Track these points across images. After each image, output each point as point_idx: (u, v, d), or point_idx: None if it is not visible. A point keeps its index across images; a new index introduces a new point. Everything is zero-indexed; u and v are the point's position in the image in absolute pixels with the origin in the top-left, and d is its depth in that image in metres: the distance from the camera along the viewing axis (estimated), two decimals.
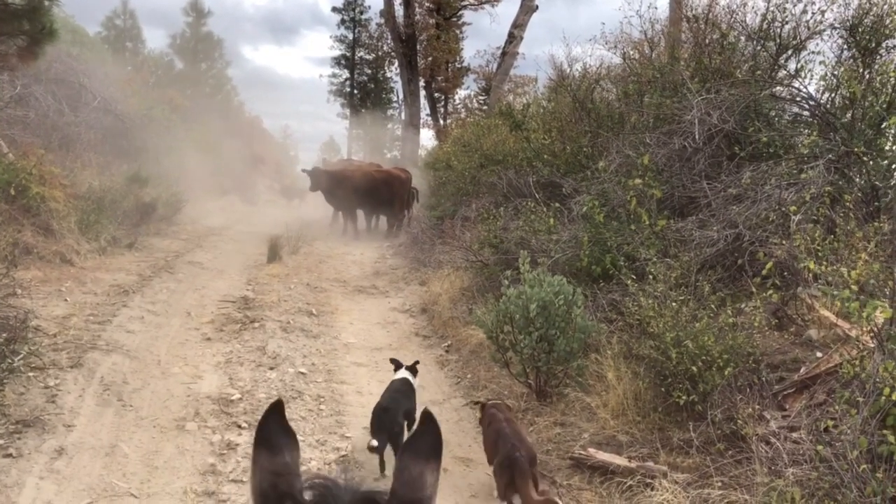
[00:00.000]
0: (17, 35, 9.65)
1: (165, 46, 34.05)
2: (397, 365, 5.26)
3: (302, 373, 6.31)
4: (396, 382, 5.02)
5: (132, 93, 18.57)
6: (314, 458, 4.63)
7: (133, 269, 10.08)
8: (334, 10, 43.67)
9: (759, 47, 7.72)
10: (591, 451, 4.44)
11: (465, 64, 35.94)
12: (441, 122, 34.52)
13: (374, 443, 4.34)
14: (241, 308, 8.39)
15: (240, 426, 5.09)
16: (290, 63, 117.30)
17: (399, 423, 4.53)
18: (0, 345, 5.33)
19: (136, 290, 8.75)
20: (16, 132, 10.90)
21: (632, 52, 10.41)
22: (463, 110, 35.93)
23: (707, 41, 8.46)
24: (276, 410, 1.20)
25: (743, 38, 8.00)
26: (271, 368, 6.34)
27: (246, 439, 4.85)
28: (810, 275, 4.75)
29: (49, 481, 4.13)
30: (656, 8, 14.50)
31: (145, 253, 11.48)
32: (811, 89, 7.02)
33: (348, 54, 45.15)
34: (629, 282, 5.33)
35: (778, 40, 7.41)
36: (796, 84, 7.12)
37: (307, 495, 1.11)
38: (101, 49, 22.64)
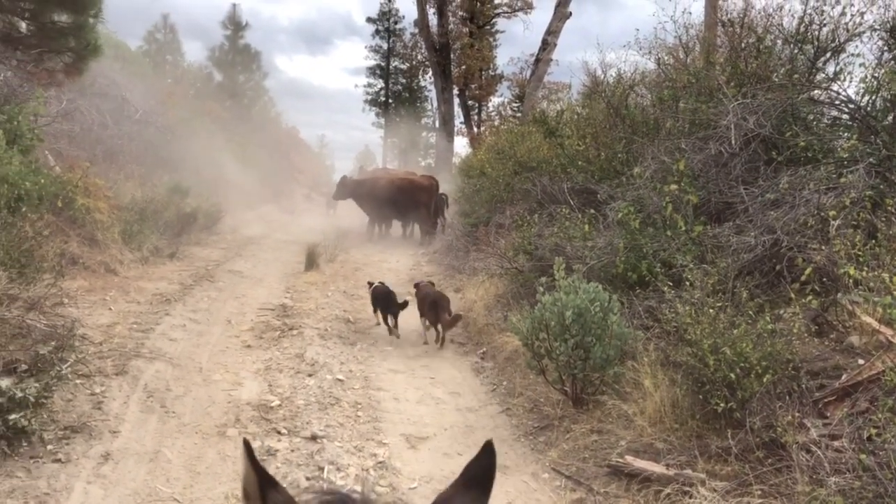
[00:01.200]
0: (63, 52, 9.95)
1: (204, 59, 34.66)
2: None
3: (339, 379, 6.38)
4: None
5: (172, 105, 18.96)
6: (352, 465, 4.69)
7: (175, 278, 10.29)
8: (369, 20, 44.21)
9: (796, 51, 7.64)
10: (629, 458, 4.42)
11: (498, 71, 36.01)
12: (475, 129, 34.59)
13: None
14: (279, 315, 8.52)
15: (279, 432, 5.17)
16: (324, 73, 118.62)
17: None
18: (49, 352, 5.50)
19: (178, 299, 8.94)
20: (62, 145, 11.22)
21: (666, 58, 10.36)
22: (496, 117, 35.98)
23: (743, 45, 8.39)
24: (250, 447, 1.17)
25: (780, 41, 7.92)
26: (310, 375, 6.43)
27: (285, 445, 4.93)
28: (851, 280, 4.68)
29: (96, 486, 4.25)
30: (691, 13, 14.37)
31: (186, 262, 11.71)
32: (850, 92, 6.92)
33: (383, 64, 45.56)
34: (666, 288, 5.31)
35: (816, 43, 7.32)
36: (835, 87, 7.03)
37: None
38: (142, 63, 23.16)
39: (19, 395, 4.62)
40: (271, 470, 4.51)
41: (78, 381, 5.64)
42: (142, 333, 7.24)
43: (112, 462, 4.54)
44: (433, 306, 7.84)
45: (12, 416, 4.46)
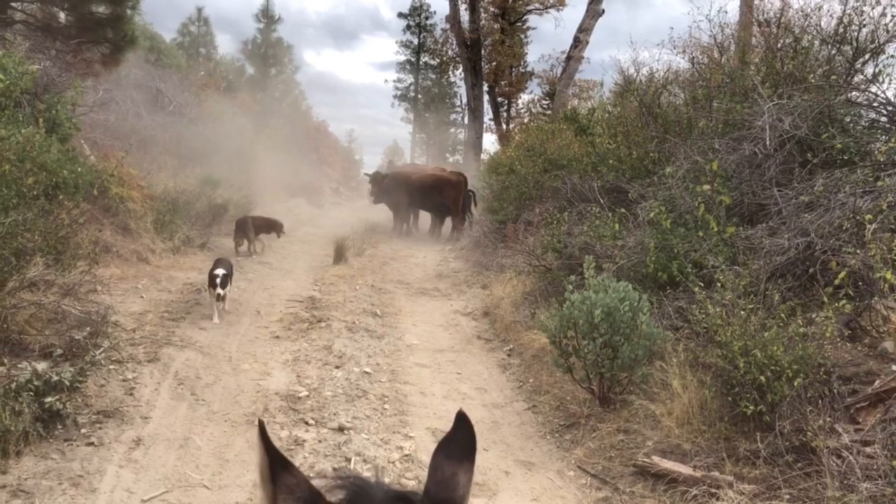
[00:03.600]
0: (101, 43, 10.11)
1: (236, 52, 34.99)
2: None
3: (367, 372, 6.43)
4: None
5: (205, 97, 19.17)
6: (378, 457, 4.72)
7: (205, 269, 10.36)
8: (400, 15, 44.31)
9: (834, 51, 7.52)
10: (656, 458, 4.41)
11: (528, 68, 35.87)
12: (504, 126, 34.52)
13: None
14: (308, 308, 8.60)
15: (307, 423, 5.22)
16: (351, 68, 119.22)
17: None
18: (84, 338, 5.62)
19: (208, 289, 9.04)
20: (97, 135, 11.40)
21: (700, 57, 10.26)
22: (526, 115, 35.84)
23: (779, 45, 8.27)
24: (265, 429, 1.16)
25: (817, 42, 7.80)
26: (337, 367, 6.48)
27: (313, 436, 4.98)
28: (886, 285, 4.61)
29: (127, 470, 4.33)
30: (726, 12, 14.19)
31: (217, 253, 11.82)
32: (889, 94, 6.80)
33: (413, 59, 45.65)
34: (696, 289, 5.27)
35: (854, 44, 7.20)
36: (874, 89, 6.91)
37: (339, 494, 1.11)
38: (176, 55, 23.43)
39: (55, 378, 4.73)
40: (298, 460, 4.57)
41: (111, 367, 5.75)
42: (173, 322, 7.35)
43: (143, 447, 4.63)
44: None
45: (48, 399, 4.56)
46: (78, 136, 9.51)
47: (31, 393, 4.55)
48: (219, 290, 7.61)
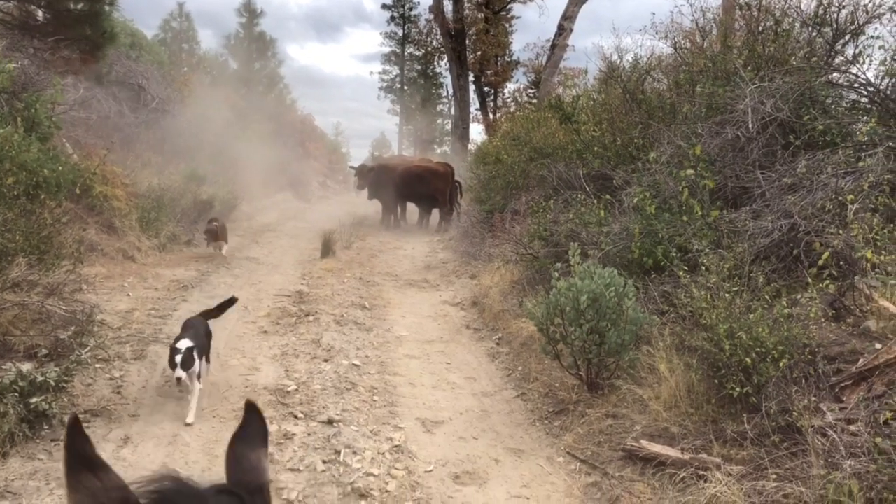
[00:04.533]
0: (79, 40, 10.02)
1: (219, 47, 34.79)
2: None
3: (356, 365, 6.42)
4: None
5: (189, 93, 19.03)
6: (368, 448, 4.72)
7: (191, 265, 10.37)
8: (384, 6, 44.07)
9: (814, 33, 7.54)
10: (644, 442, 4.43)
11: (514, 57, 35.79)
12: (490, 115, 34.47)
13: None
14: (296, 302, 8.57)
15: (296, 416, 5.21)
16: (335, 61, 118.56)
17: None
18: (69, 338, 5.58)
19: (195, 286, 9.02)
20: (79, 133, 11.29)
21: (683, 42, 10.26)
22: (512, 104, 35.81)
23: (760, 28, 8.28)
24: (76, 426, 1.04)
25: (798, 24, 7.81)
26: (326, 360, 6.47)
27: (302, 429, 4.98)
28: (868, 264, 4.64)
29: (116, 468, 4.29)
30: None
31: (203, 249, 11.79)
32: (870, 75, 6.83)
33: (398, 51, 45.48)
34: (681, 273, 5.29)
35: (835, 25, 7.22)
36: (854, 70, 6.94)
37: (151, 496, 1.03)
38: (158, 51, 23.24)
39: (40, 379, 4.70)
40: (288, 454, 4.57)
41: (97, 366, 5.73)
42: (159, 319, 7.32)
43: (131, 445, 4.61)
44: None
45: (33, 400, 4.54)
46: (59, 134, 9.43)
47: (17, 394, 4.52)
48: (178, 373, 4.98)
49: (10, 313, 5.80)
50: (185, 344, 5.12)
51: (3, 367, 5.05)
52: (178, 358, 5.01)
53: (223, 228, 11.32)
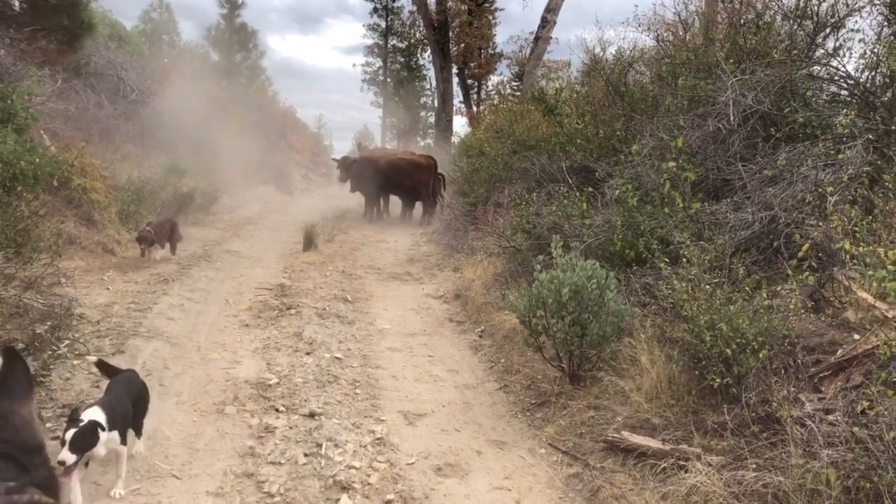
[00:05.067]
0: (57, 30, 9.88)
1: (200, 38, 34.52)
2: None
3: (338, 358, 6.40)
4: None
5: (169, 85, 18.85)
6: (350, 441, 4.71)
7: (172, 258, 10.28)
8: None
9: (795, 26, 7.58)
10: (625, 434, 4.44)
11: (497, 50, 35.83)
12: (474, 108, 34.45)
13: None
14: (277, 295, 8.53)
15: (277, 410, 5.19)
16: (317, 52, 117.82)
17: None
18: (46, 332, 5.52)
19: (176, 279, 8.94)
20: (57, 125, 11.16)
21: (665, 34, 10.29)
22: (496, 96, 35.81)
23: (742, 21, 8.32)
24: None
25: (779, 17, 7.85)
26: (308, 354, 6.45)
27: (283, 423, 4.95)
28: (847, 256, 4.67)
29: (95, 462, 4.26)
30: None
31: (184, 242, 11.69)
32: (850, 68, 6.87)
33: (381, 42, 45.30)
34: (663, 265, 5.31)
35: (815, 18, 7.26)
36: (834, 63, 6.97)
37: None
38: (138, 42, 23.00)
39: None
40: (269, 447, 4.54)
41: (76, 361, 5.65)
42: (139, 313, 7.25)
43: None
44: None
45: None
46: (36, 126, 9.31)
47: None
48: (63, 456, 3.46)
49: None
50: (91, 415, 3.71)
51: None
52: (70, 434, 3.53)
53: (162, 230, 10.18)
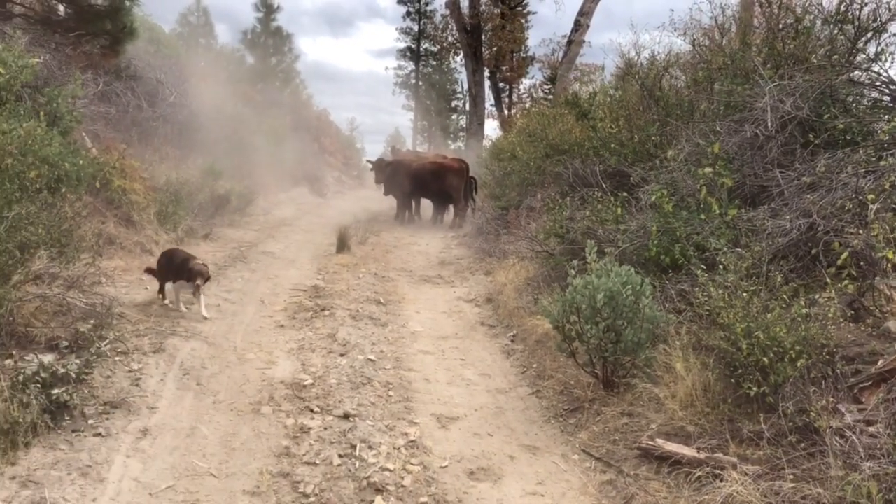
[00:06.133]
0: (100, 35, 10.10)
1: (236, 41, 34.99)
2: None
3: (371, 360, 6.45)
4: None
5: (206, 88, 19.12)
6: (383, 443, 4.75)
7: (208, 259, 10.41)
8: (399, 2, 44.10)
9: (836, 31, 7.47)
10: (659, 441, 4.42)
11: (529, 53, 35.80)
12: (506, 111, 34.44)
13: None
14: (312, 296, 8.62)
15: (312, 410, 5.25)
16: (348, 56, 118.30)
17: None
18: (89, 330, 5.65)
19: (213, 279, 9.06)
20: (99, 127, 11.38)
21: (701, 39, 10.21)
22: (528, 100, 35.77)
23: (780, 26, 8.23)
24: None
25: (819, 21, 7.75)
26: (341, 355, 6.51)
27: (318, 423, 5.01)
28: (889, 265, 4.61)
29: (135, 460, 4.36)
30: None
31: (220, 243, 11.87)
32: (892, 73, 6.77)
33: (413, 46, 45.49)
34: (699, 272, 5.27)
35: (856, 23, 7.16)
36: (876, 68, 6.87)
37: None
38: (176, 46, 23.36)
39: (61, 370, 4.77)
40: (304, 447, 4.60)
41: (117, 359, 5.78)
42: (177, 313, 7.37)
43: (150, 437, 4.66)
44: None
45: (55, 391, 4.60)
46: (79, 128, 9.51)
47: (39, 385, 4.59)
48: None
49: (32, 305, 5.87)
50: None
51: (26, 358, 5.12)
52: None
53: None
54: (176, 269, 7.46)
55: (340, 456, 4.54)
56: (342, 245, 11.85)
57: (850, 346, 4.60)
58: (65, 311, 6.19)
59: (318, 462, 4.47)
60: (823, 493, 3.41)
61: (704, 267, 5.34)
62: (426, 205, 18.40)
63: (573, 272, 5.59)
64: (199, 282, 7.21)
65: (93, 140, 10.77)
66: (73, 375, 4.85)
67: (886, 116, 6.48)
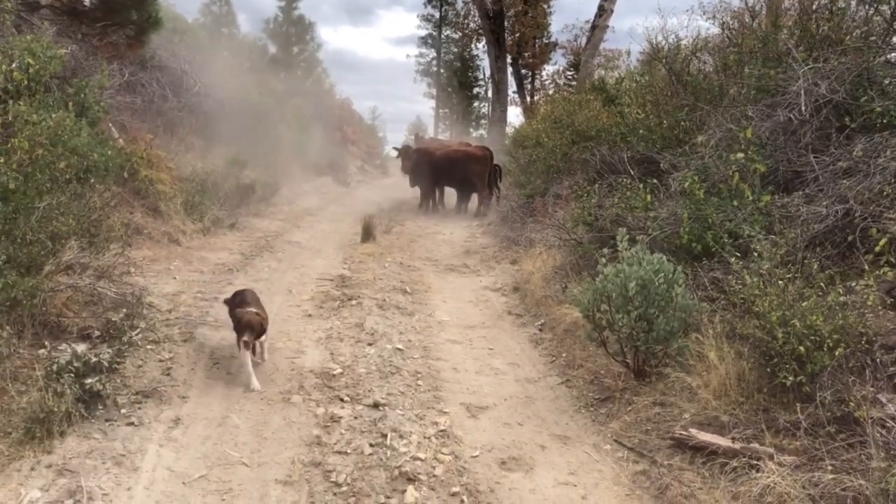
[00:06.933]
0: (126, 25, 10.14)
1: (258, 31, 35.06)
2: None
3: (399, 349, 6.44)
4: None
5: (230, 78, 19.17)
6: (414, 432, 4.73)
7: (235, 249, 10.49)
8: None
9: (871, 11, 7.29)
10: (693, 431, 4.36)
11: (552, 39, 35.50)
12: (529, 98, 34.22)
13: None
14: (338, 286, 8.63)
15: (342, 399, 5.25)
16: (368, 44, 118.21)
17: None
18: (120, 320, 5.68)
19: (240, 269, 9.12)
20: (125, 118, 11.45)
21: (731, 22, 10.02)
22: (551, 86, 35.51)
23: (814, 7, 8.04)
24: None
25: (854, 1, 7.57)
26: (370, 344, 6.50)
27: (348, 412, 5.01)
28: None
29: (168, 449, 4.39)
30: None
31: (246, 233, 11.92)
32: None
33: (435, 33, 45.33)
34: (732, 259, 5.18)
35: (893, 3, 6.97)
36: None
37: None
38: (199, 35, 23.43)
39: (94, 360, 4.81)
40: (335, 436, 4.60)
41: (148, 348, 5.82)
42: (206, 302, 7.41)
43: (182, 426, 4.68)
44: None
45: (88, 381, 4.63)
46: (106, 119, 9.57)
47: (72, 374, 4.63)
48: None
49: (64, 295, 5.92)
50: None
51: (59, 347, 5.17)
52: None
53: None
54: (233, 316, 5.86)
55: (371, 445, 4.53)
56: (367, 234, 11.86)
57: (889, 335, 4.50)
58: (95, 300, 6.24)
59: (349, 451, 4.46)
60: (865, 485, 3.34)
61: (738, 254, 5.25)
62: (450, 194, 18.34)
63: (604, 260, 5.53)
64: (246, 337, 5.51)
65: (119, 131, 10.84)
66: (106, 365, 4.89)
67: None
